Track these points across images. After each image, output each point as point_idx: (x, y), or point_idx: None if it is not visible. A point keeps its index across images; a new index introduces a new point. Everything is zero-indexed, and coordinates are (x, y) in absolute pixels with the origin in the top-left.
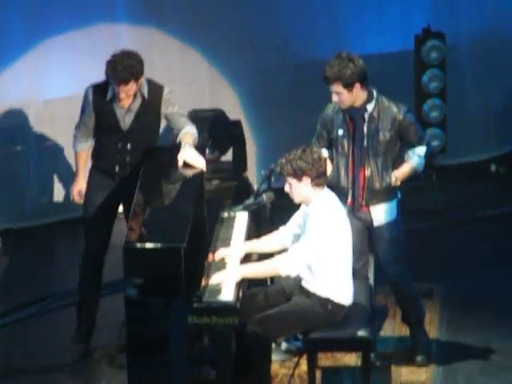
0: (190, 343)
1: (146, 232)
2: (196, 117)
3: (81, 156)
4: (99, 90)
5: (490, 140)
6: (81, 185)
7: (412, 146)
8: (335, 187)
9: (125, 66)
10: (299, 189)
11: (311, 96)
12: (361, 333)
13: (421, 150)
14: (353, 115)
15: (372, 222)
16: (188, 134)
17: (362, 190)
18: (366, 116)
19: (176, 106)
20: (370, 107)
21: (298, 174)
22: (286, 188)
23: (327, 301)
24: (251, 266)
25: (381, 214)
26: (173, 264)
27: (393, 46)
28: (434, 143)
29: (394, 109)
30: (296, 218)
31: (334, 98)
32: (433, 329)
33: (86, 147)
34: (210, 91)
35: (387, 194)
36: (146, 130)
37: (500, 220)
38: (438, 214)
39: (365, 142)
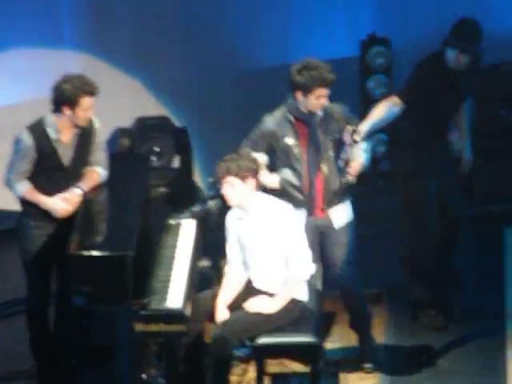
0: (137, 351)
1: (92, 240)
2: (142, 124)
3: (31, 191)
4: (37, 130)
5: None
6: (52, 200)
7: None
8: (288, 197)
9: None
10: (242, 190)
11: (256, 102)
12: (309, 339)
13: (365, 146)
14: (306, 121)
15: (331, 225)
16: (94, 172)
17: (320, 195)
18: (318, 120)
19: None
20: (319, 111)
21: (244, 175)
22: (226, 189)
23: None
24: (281, 297)
25: (340, 215)
26: (120, 272)
27: (338, 52)
28: (380, 149)
29: (338, 109)
30: (231, 242)
31: (324, 101)
32: (380, 335)
33: (29, 185)
34: (155, 99)
35: (344, 194)
36: (85, 164)
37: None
38: (384, 220)
39: (319, 147)
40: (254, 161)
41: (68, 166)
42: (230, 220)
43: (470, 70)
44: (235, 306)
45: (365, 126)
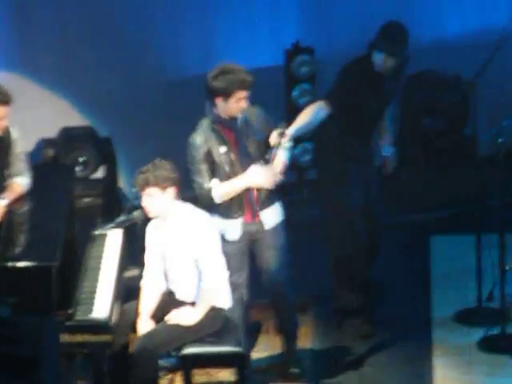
0: (63, 362)
1: (17, 250)
2: (66, 134)
3: None
4: None
5: None
6: None
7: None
8: (220, 207)
9: None
10: (161, 200)
11: (181, 112)
12: (235, 348)
13: (286, 144)
14: (230, 127)
15: (263, 227)
16: (16, 184)
17: (255, 197)
18: (239, 123)
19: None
20: (239, 115)
21: (163, 184)
22: (145, 201)
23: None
24: (199, 307)
25: (272, 216)
26: (44, 283)
27: (263, 61)
28: (306, 158)
29: (258, 111)
30: (150, 252)
31: (245, 104)
32: (307, 342)
33: None
34: (79, 110)
35: (275, 194)
36: (4, 174)
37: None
38: (310, 228)
39: (248, 150)
40: (172, 170)
41: None
42: (150, 229)
43: (395, 74)
44: (159, 317)
45: (291, 129)
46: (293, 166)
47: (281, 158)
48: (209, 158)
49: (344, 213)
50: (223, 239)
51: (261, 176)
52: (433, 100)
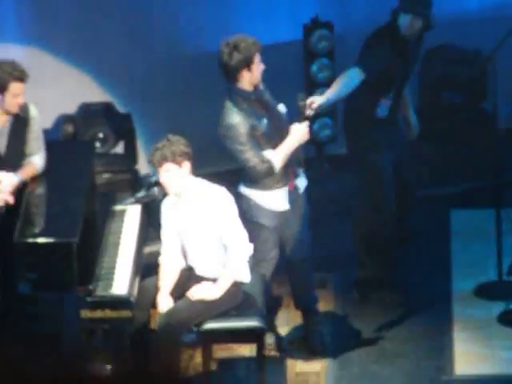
0: (83, 338)
1: (37, 227)
2: (86, 110)
3: None
4: None
5: None
6: None
7: None
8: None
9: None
10: (178, 175)
11: (201, 87)
12: (255, 323)
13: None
14: (258, 97)
15: (298, 192)
16: (30, 164)
17: (293, 162)
18: (262, 91)
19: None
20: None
21: (180, 159)
22: (163, 177)
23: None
24: (222, 281)
25: (302, 180)
26: (65, 259)
27: (282, 36)
28: (325, 132)
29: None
30: (167, 229)
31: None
32: (326, 318)
33: None
34: (98, 86)
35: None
36: (21, 152)
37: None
38: (328, 203)
39: (280, 116)
40: (186, 144)
41: (2, 154)
42: (166, 206)
43: (419, 39)
44: (179, 293)
45: (329, 94)
46: (312, 141)
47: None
48: (253, 133)
49: (376, 180)
50: (270, 212)
51: (304, 132)
52: (452, 74)
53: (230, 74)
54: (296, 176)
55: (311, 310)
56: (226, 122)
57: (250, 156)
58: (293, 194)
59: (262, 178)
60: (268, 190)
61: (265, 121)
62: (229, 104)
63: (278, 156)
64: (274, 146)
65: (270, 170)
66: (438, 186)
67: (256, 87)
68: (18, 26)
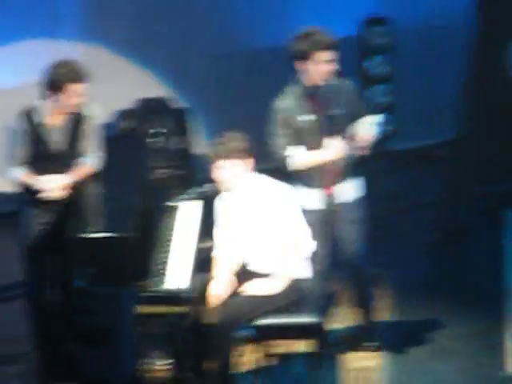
0: (140, 333)
1: (94, 223)
2: (143, 105)
3: (26, 175)
4: (27, 116)
5: (435, 126)
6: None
7: (359, 117)
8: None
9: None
10: (235, 172)
11: (258, 81)
12: (312, 319)
13: (374, 119)
14: (314, 94)
15: (339, 201)
16: (85, 164)
17: (333, 171)
18: (325, 92)
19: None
20: (323, 82)
21: (236, 156)
22: (219, 173)
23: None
24: (282, 277)
25: (349, 190)
26: (121, 254)
27: (338, 31)
28: (385, 128)
29: (348, 83)
30: (222, 226)
31: (327, 67)
32: (383, 314)
33: (25, 170)
34: (155, 80)
35: (354, 169)
36: (77, 150)
37: (445, 204)
38: (387, 199)
39: (333, 120)
40: (243, 141)
41: (58, 151)
42: (220, 202)
43: None
44: (233, 288)
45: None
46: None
47: (367, 131)
48: (288, 123)
49: None
50: (303, 209)
51: (341, 151)
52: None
53: (292, 61)
54: (336, 183)
55: (368, 307)
56: (274, 103)
57: (275, 142)
58: (331, 198)
59: (280, 165)
60: (304, 186)
61: (306, 117)
62: (286, 89)
63: (304, 157)
64: (315, 143)
65: (287, 165)
66: (493, 183)
67: (315, 84)
68: (76, 23)
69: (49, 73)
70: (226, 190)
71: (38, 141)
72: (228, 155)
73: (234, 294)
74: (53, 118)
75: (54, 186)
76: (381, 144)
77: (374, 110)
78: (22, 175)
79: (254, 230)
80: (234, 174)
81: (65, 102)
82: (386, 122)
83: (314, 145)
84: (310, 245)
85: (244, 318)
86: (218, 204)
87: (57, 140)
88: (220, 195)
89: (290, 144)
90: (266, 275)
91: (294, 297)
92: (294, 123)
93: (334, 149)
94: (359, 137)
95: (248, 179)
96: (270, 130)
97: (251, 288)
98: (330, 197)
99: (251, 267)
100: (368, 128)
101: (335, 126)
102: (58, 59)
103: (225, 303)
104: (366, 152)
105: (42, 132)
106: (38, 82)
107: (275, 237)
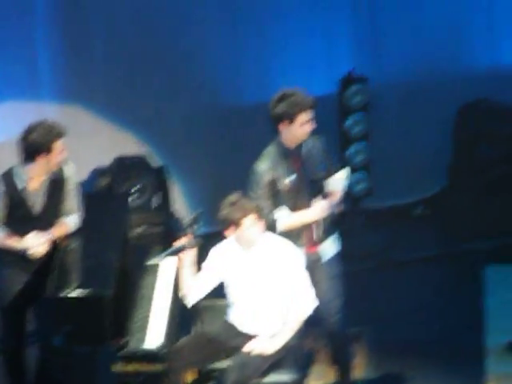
0: None
1: (71, 281)
2: (120, 163)
3: (4, 237)
4: (6, 179)
5: (414, 183)
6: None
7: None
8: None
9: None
10: (257, 229)
11: (236, 139)
12: (292, 377)
13: (342, 174)
14: (295, 155)
15: (320, 259)
16: (65, 223)
17: (315, 230)
18: (304, 151)
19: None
20: (303, 143)
21: (242, 221)
22: (247, 230)
23: None
24: (283, 335)
25: (329, 248)
26: (98, 313)
27: (316, 90)
28: (360, 187)
29: (317, 141)
30: (208, 274)
31: (309, 127)
32: (361, 373)
33: (3, 232)
34: (133, 139)
35: (333, 226)
36: (57, 211)
37: (426, 263)
38: (364, 257)
39: (312, 178)
40: (248, 202)
41: (39, 214)
42: (216, 254)
43: None
44: (219, 350)
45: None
46: (347, 196)
47: (338, 187)
48: (273, 186)
49: None
50: None
51: (325, 211)
52: (488, 129)
53: (272, 121)
54: (319, 242)
55: (346, 365)
56: (256, 165)
57: (260, 204)
58: (313, 256)
59: (266, 227)
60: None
61: (290, 178)
62: (267, 150)
63: (287, 219)
64: (297, 203)
65: (271, 228)
66: (472, 241)
67: (297, 144)
68: (53, 83)
69: (29, 137)
70: (248, 246)
71: (19, 204)
72: (246, 213)
73: (242, 354)
74: (33, 180)
75: (36, 242)
76: (356, 202)
77: (344, 166)
78: (2, 237)
79: (260, 288)
80: (254, 231)
81: (52, 161)
82: (362, 180)
83: (298, 205)
84: (312, 305)
85: (253, 377)
86: (213, 254)
87: (37, 203)
88: (217, 246)
89: (275, 206)
90: (253, 336)
91: (282, 353)
92: (280, 185)
93: (319, 208)
94: (332, 193)
95: (261, 236)
96: (254, 193)
97: (255, 347)
98: (313, 254)
99: (241, 328)
100: (338, 183)
101: (316, 184)
102: (30, 123)
103: (233, 364)
104: (340, 208)
105: (22, 196)
106: (16, 144)
107: (280, 298)
